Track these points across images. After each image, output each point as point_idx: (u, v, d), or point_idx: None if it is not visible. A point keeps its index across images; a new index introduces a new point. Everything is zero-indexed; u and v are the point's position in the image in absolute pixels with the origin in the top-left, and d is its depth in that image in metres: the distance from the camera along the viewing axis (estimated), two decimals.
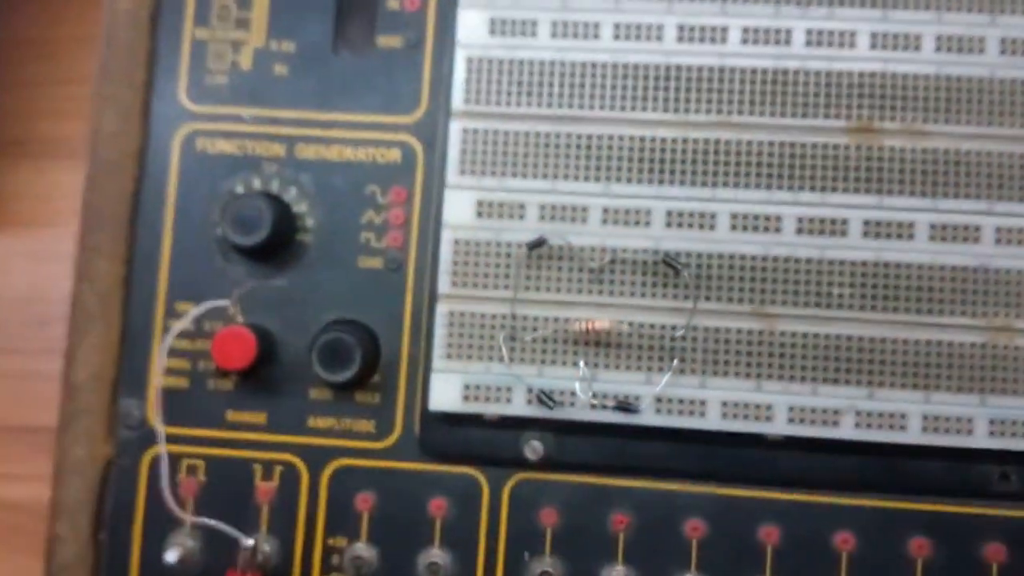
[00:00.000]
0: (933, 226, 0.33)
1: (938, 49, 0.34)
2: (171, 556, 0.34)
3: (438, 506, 0.35)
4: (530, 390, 0.33)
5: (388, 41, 0.36)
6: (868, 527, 0.34)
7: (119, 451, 0.36)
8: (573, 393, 0.34)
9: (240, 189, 0.36)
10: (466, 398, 0.34)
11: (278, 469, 0.35)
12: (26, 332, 0.41)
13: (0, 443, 0.41)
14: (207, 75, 0.37)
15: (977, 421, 0.33)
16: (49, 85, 0.43)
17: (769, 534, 0.34)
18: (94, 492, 0.36)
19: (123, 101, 0.36)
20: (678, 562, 0.34)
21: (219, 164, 0.36)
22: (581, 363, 0.33)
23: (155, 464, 0.36)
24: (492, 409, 0.34)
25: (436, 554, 0.34)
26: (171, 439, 0.36)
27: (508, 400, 0.34)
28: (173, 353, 0.36)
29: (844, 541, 0.34)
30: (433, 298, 0.34)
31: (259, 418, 0.36)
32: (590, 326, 0.33)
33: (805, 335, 0.33)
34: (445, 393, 0.34)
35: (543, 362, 0.34)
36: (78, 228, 0.35)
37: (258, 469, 0.36)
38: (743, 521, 0.34)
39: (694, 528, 0.34)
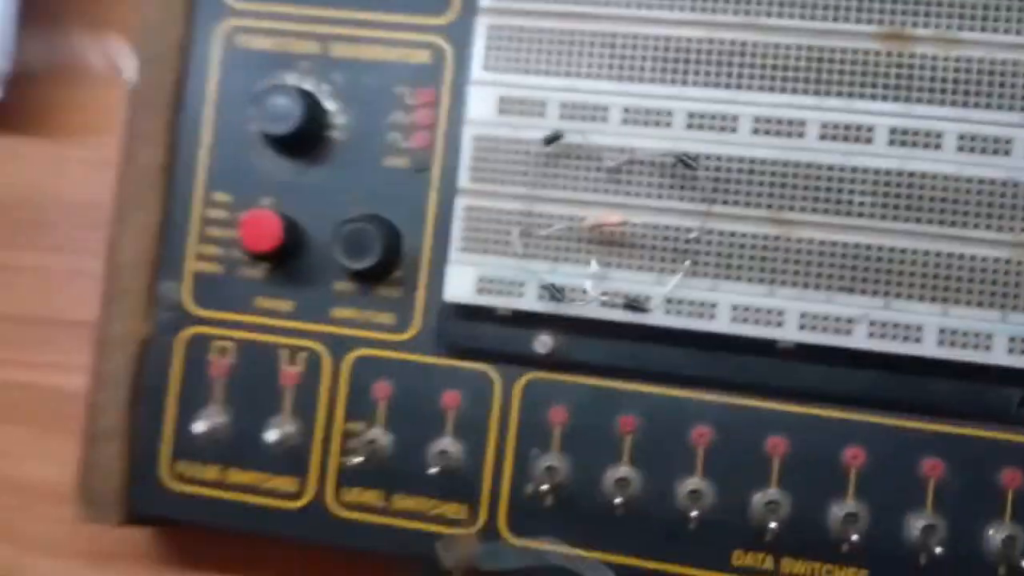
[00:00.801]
0: (962, 136, 0.32)
1: None
2: (199, 427, 0.37)
3: (452, 398, 0.36)
4: (542, 286, 0.34)
5: None
6: (880, 444, 0.34)
7: (156, 330, 0.38)
8: (584, 291, 0.34)
9: (277, 87, 0.37)
10: (480, 291, 0.34)
11: (302, 355, 0.37)
12: (78, 234, 0.43)
13: (50, 335, 0.43)
14: None
15: (996, 338, 0.32)
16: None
17: (776, 445, 0.34)
18: (132, 366, 0.38)
19: None
20: (683, 467, 0.34)
21: (257, 60, 0.38)
22: (593, 261, 0.34)
23: (190, 344, 0.38)
24: (505, 303, 0.34)
25: (447, 443, 0.35)
26: (204, 322, 0.37)
27: (520, 295, 0.34)
28: (208, 240, 0.38)
29: (854, 457, 0.34)
30: (451, 191, 0.35)
31: (287, 306, 0.37)
32: (603, 222, 0.33)
33: (822, 242, 0.33)
34: (460, 285, 0.35)
35: (556, 259, 0.34)
36: (126, 114, 0.37)
37: (284, 354, 0.37)
38: (751, 430, 0.34)
39: (701, 435, 0.34)
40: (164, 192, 0.38)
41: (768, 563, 0.34)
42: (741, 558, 0.35)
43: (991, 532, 0.33)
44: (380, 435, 0.36)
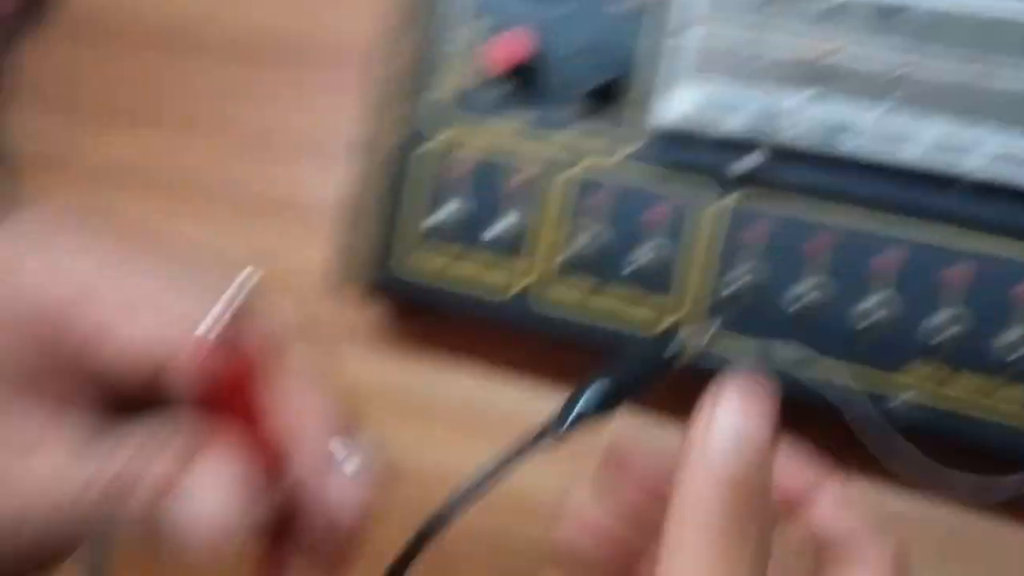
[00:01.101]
0: None
1: None
2: (435, 219, 0.43)
3: (660, 211, 0.41)
4: (756, 109, 0.38)
5: None
6: None
7: (409, 138, 0.44)
8: (795, 117, 0.38)
9: None
10: (699, 111, 0.39)
11: (533, 166, 0.42)
12: (344, 59, 0.50)
13: (312, 150, 0.50)
14: None
15: None
16: None
17: (958, 274, 0.37)
18: (385, 169, 0.44)
19: None
20: (865, 290, 0.38)
21: None
22: (807, 91, 0.38)
23: (436, 152, 0.44)
24: (720, 124, 0.39)
25: (652, 248, 0.40)
26: (457, 132, 0.43)
27: (735, 117, 0.39)
28: (462, 61, 0.43)
29: None
30: (684, 24, 0.40)
31: (523, 122, 0.42)
32: (818, 50, 0.37)
33: (1018, 92, 0.36)
34: (681, 106, 0.39)
35: (771, 88, 0.38)
36: None
37: (515, 162, 0.42)
38: (933, 261, 0.38)
39: (886, 260, 0.38)
40: (428, 18, 0.44)
41: (939, 375, 0.38)
42: (911, 372, 0.38)
43: None
44: (594, 237, 0.41)
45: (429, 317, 0.47)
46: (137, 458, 0.27)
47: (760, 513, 0.26)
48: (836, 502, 0.31)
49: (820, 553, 0.31)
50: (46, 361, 0.28)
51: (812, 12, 0.38)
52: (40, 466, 0.27)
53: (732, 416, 0.26)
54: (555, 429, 0.29)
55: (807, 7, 0.38)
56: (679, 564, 0.26)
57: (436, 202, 0.43)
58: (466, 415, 0.47)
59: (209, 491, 0.27)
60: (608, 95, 0.41)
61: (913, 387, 0.38)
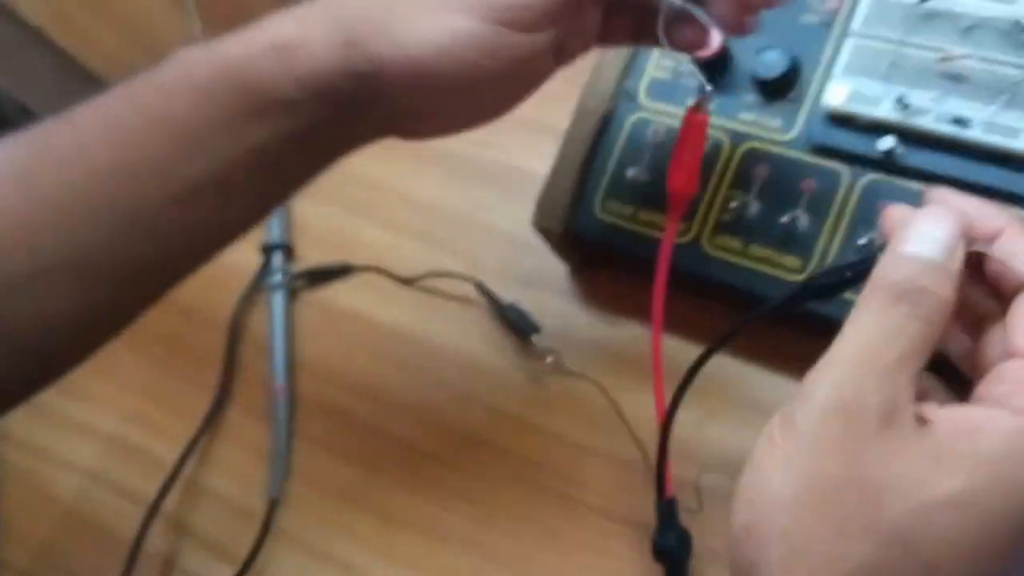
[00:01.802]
0: None
1: None
2: (631, 173, 0.53)
3: (808, 184, 0.50)
4: (895, 99, 0.47)
5: None
6: None
7: (617, 110, 0.55)
8: (926, 108, 0.47)
9: None
10: (849, 100, 0.49)
11: (712, 140, 0.53)
12: None
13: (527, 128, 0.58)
14: None
15: None
16: None
17: None
18: (594, 131, 0.55)
19: None
20: None
21: None
22: (938, 89, 0.47)
23: (635, 123, 0.55)
24: (865, 111, 0.48)
25: (799, 214, 0.49)
26: (647, 109, 0.55)
27: (877, 106, 0.48)
28: (665, 56, 0.55)
29: None
30: (845, 35, 0.50)
31: (709, 105, 0.53)
32: (946, 55, 0.46)
33: None
34: (836, 95, 0.49)
35: (911, 86, 0.48)
36: None
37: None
38: None
39: None
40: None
41: None
42: None
43: None
44: (752, 201, 0.51)
45: (616, 265, 0.57)
46: None
47: None
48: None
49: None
50: None
51: (949, 31, 0.47)
52: None
53: None
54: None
55: (946, 26, 0.47)
56: None
57: (634, 161, 0.54)
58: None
59: None
60: (781, 87, 0.51)
61: None
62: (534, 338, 0.59)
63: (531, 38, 0.42)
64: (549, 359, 0.58)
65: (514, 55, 0.42)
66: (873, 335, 0.34)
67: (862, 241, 0.48)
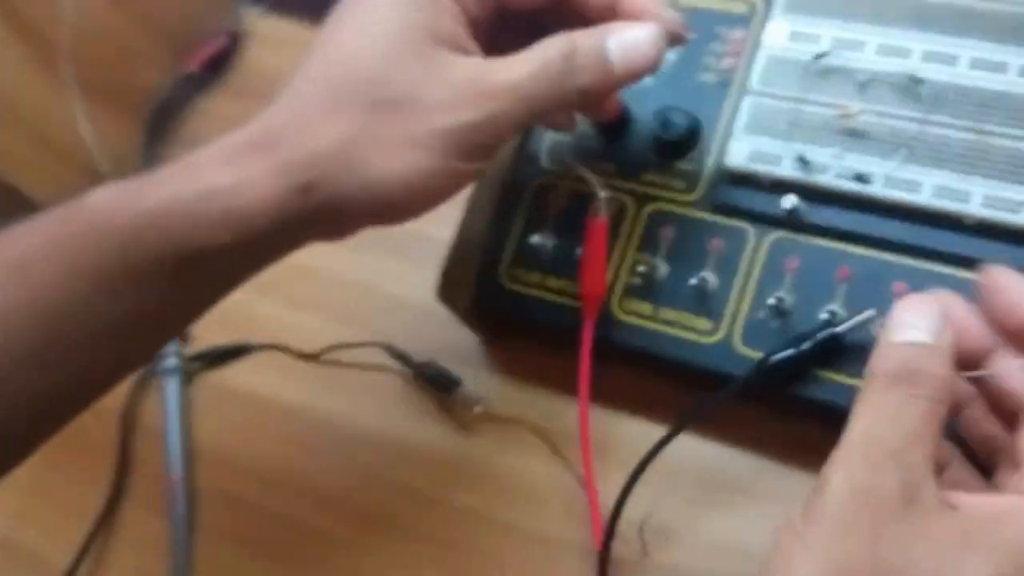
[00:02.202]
0: None
1: None
2: (534, 240, 0.52)
3: (716, 244, 0.49)
4: (796, 158, 0.47)
5: None
6: None
7: (518, 176, 0.54)
8: (827, 165, 0.47)
9: None
10: (750, 160, 0.48)
11: (615, 204, 0.52)
12: None
13: None
14: None
15: None
16: None
17: None
18: (496, 198, 0.54)
19: None
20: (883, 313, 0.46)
21: None
22: (837, 146, 0.47)
23: (541, 188, 0.54)
24: (766, 170, 0.48)
25: (707, 275, 0.49)
26: (551, 173, 0.54)
27: (778, 165, 0.48)
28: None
29: None
30: (743, 94, 0.50)
31: (610, 168, 0.52)
32: (844, 112, 0.46)
33: (1011, 148, 0.44)
34: (737, 155, 0.49)
35: (810, 143, 0.48)
36: None
37: (601, 202, 0.51)
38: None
39: (898, 289, 0.46)
40: None
41: None
42: None
43: None
44: (660, 264, 0.50)
45: (529, 334, 0.56)
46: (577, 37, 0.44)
47: None
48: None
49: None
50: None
51: (845, 87, 0.48)
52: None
53: None
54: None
55: (842, 82, 0.48)
56: None
57: (538, 227, 0.53)
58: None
59: (633, 28, 0.44)
60: (683, 147, 0.51)
61: None
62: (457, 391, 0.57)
63: (486, 161, 0.44)
64: (478, 408, 0.56)
65: (471, 180, 0.47)
66: (877, 421, 0.35)
67: (771, 301, 0.47)
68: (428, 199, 0.44)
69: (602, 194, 0.50)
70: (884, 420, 0.35)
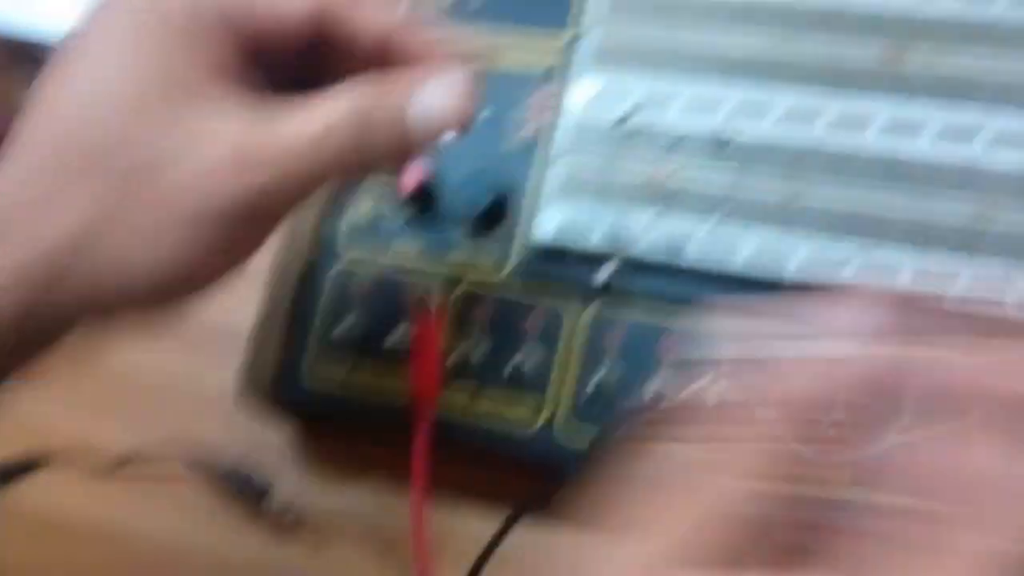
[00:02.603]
0: (940, 128, 0.42)
1: None
2: (337, 335, 0.48)
3: (532, 323, 0.46)
4: (607, 229, 0.44)
5: None
6: None
7: (316, 262, 0.50)
8: (640, 234, 0.44)
9: None
10: (560, 232, 0.45)
11: (422, 286, 0.48)
12: None
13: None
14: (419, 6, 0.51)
15: (961, 277, 0.41)
16: None
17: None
18: (294, 288, 0.50)
19: None
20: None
21: None
22: (649, 212, 0.44)
23: (340, 274, 0.49)
24: (578, 242, 0.45)
25: (527, 355, 0.45)
26: (352, 257, 0.49)
27: (590, 236, 0.45)
28: (365, 194, 0.50)
29: None
30: (549, 161, 0.47)
31: (414, 248, 0.48)
32: (654, 176, 0.43)
33: (824, 205, 0.43)
34: (546, 228, 0.46)
35: (621, 210, 0.45)
36: None
37: (409, 284, 0.48)
38: None
39: None
40: None
41: None
42: None
43: None
44: (475, 347, 0.46)
45: (342, 427, 0.51)
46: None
47: None
48: None
49: None
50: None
51: (652, 149, 0.45)
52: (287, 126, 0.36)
53: None
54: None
55: (648, 144, 0.45)
56: None
57: (341, 317, 0.48)
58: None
59: (435, 94, 0.38)
60: (490, 221, 0.47)
61: None
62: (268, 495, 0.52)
63: (263, 236, 0.38)
64: (289, 516, 0.51)
65: (248, 256, 0.39)
66: None
67: (596, 378, 0.44)
68: (194, 284, 0.37)
69: (428, 296, 0.46)
70: None
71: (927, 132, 0.42)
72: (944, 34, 0.43)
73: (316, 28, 0.38)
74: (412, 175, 0.47)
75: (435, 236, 0.49)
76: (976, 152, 0.42)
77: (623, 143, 0.46)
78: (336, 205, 0.51)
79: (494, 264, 0.48)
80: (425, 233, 0.49)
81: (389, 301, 0.48)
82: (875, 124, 0.43)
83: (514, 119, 0.49)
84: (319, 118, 0.36)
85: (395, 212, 0.49)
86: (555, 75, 0.49)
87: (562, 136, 0.47)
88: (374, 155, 0.37)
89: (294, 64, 0.39)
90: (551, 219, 0.46)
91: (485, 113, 0.48)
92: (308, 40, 0.38)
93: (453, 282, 0.48)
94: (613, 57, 0.47)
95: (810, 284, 0.42)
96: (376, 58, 0.39)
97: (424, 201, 0.48)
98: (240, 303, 0.53)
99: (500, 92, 0.49)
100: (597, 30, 0.48)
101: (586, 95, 0.47)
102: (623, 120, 0.45)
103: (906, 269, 0.41)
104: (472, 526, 0.47)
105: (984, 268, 0.41)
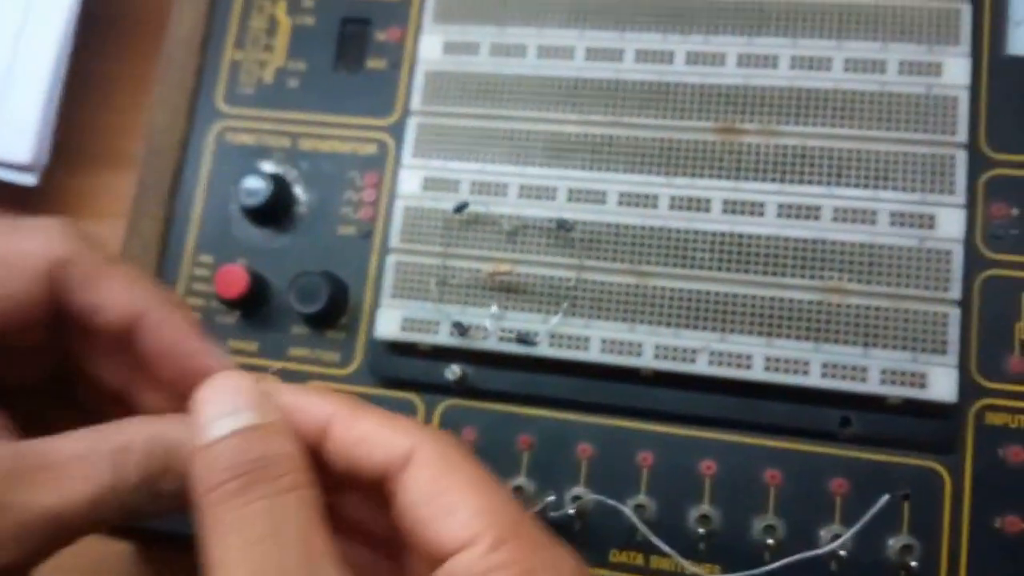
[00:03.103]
0: (781, 205, 0.41)
1: (792, 67, 0.42)
2: None
3: None
4: (452, 324, 0.42)
5: (375, 64, 0.47)
6: (728, 457, 0.41)
7: None
8: (486, 328, 0.42)
9: (254, 171, 0.46)
10: (404, 329, 0.43)
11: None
12: None
13: None
14: (239, 86, 0.48)
15: (812, 364, 0.40)
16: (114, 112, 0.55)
17: (645, 458, 0.41)
18: None
19: (174, 103, 0.47)
20: (571, 477, 0.42)
21: (241, 152, 0.47)
22: (494, 305, 0.42)
23: None
24: (423, 339, 0.43)
25: None
26: None
27: (436, 332, 0.43)
28: (193, 293, 0.46)
29: (708, 467, 0.41)
30: (385, 251, 0.44)
31: (252, 346, 0.46)
32: (496, 270, 0.41)
33: (672, 289, 0.41)
34: (388, 325, 0.43)
35: (464, 303, 0.43)
36: (134, 194, 0.47)
37: None
38: (624, 446, 0.42)
39: (583, 450, 0.42)
40: (160, 254, 0.47)
41: (639, 560, 0.41)
42: (617, 555, 0.42)
43: (822, 532, 0.40)
44: None
45: None
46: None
47: None
48: None
49: None
50: None
51: (492, 238, 0.43)
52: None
53: None
54: None
55: (488, 232, 0.43)
56: None
57: None
58: None
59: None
60: (329, 316, 0.44)
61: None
62: None
63: None
64: None
65: None
66: (249, 546, 0.27)
67: None
68: None
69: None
70: (256, 541, 0.28)
71: (768, 209, 0.42)
72: (776, 106, 0.42)
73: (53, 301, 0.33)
74: (232, 281, 0.44)
75: (273, 335, 0.46)
76: (824, 226, 0.41)
77: (461, 233, 0.43)
78: None
79: (339, 360, 0.45)
80: (262, 332, 0.46)
81: None
82: (715, 204, 0.42)
83: (348, 204, 0.46)
84: (94, 473, 0.30)
85: (225, 312, 0.46)
86: (386, 158, 0.46)
87: (397, 225, 0.44)
88: (166, 491, 0.31)
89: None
90: (392, 315, 0.43)
91: (313, 197, 0.46)
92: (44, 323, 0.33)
93: (294, 379, 0.45)
94: (437, 142, 0.45)
95: (665, 373, 0.41)
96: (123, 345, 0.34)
97: (253, 303, 0.45)
98: None
99: (333, 173, 0.46)
100: (418, 116, 0.45)
101: (417, 181, 0.44)
102: (459, 209, 0.43)
103: (758, 357, 0.40)
104: None
105: (834, 356, 0.40)
